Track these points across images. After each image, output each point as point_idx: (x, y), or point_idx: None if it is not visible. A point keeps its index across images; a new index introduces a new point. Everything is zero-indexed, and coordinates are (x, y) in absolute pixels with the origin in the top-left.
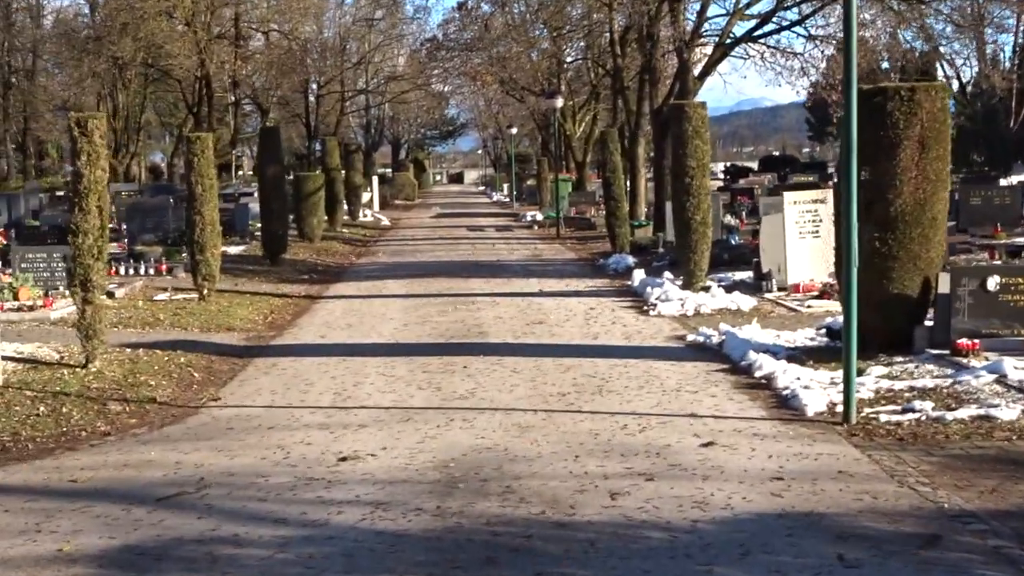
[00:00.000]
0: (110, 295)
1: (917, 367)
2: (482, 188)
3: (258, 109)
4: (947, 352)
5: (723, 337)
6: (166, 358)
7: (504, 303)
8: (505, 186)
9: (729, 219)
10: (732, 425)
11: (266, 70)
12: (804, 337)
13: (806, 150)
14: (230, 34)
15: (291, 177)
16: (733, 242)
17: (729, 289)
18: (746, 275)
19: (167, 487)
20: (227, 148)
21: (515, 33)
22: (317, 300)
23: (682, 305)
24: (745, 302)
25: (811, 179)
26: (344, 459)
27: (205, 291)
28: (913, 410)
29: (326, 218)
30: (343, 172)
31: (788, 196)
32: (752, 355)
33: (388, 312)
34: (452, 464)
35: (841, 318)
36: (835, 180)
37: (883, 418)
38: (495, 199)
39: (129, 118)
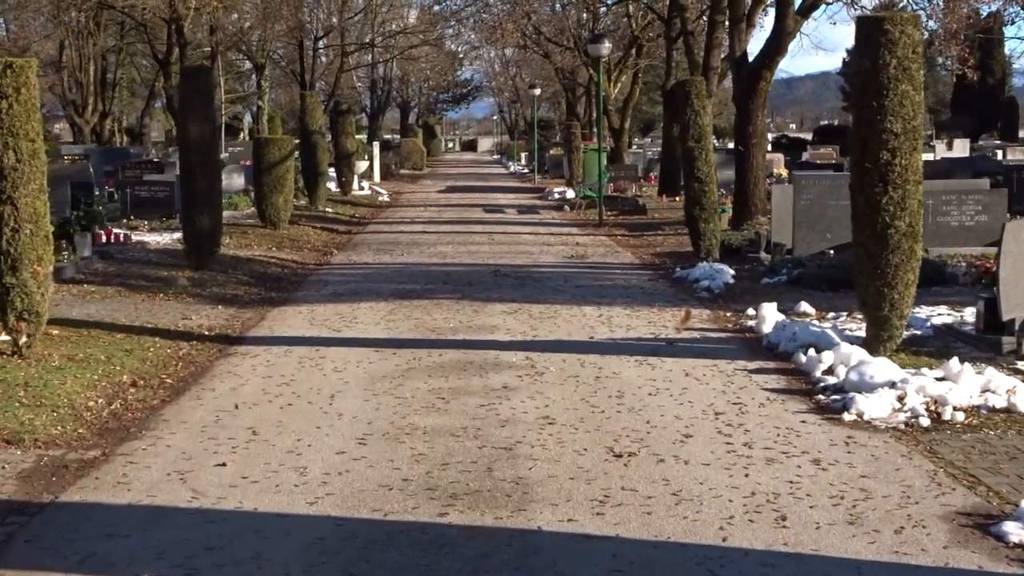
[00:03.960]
0: None
1: None
2: (497, 157)
3: (253, 67)
4: None
5: None
6: None
7: (553, 370)
8: (523, 156)
9: None
10: None
11: (252, 15)
12: None
13: (824, 122)
14: None
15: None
16: None
17: (942, 350)
18: (940, 313)
19: None
20: None
21: None
22: (232, 348)
23: (900, 400)
24: (1015, 391)
25: None
26: None
27: (23, 339)
28: None
29: (305, 194)
30: (330, 137)
31: None
32: None
33: (340, 394)
34: None
35: None
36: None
37: None
38: (512, 170)
39: (98, 71)
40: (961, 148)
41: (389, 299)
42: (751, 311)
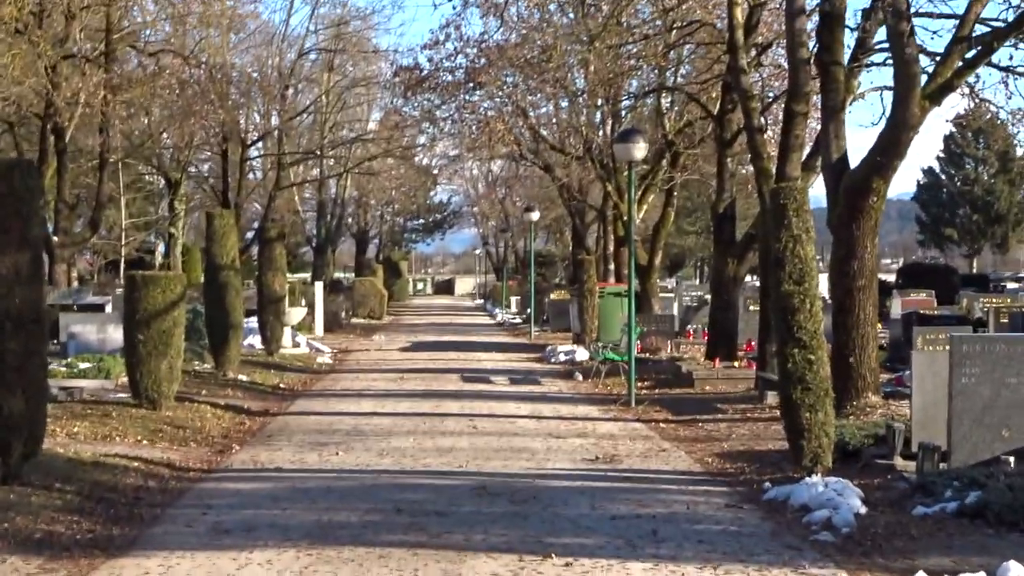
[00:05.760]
0: None
1: None
2: (479, 302)
3: (166, 183)
4: None
5: None
6: None
7: None
8: (514, 301)
9: None
10: None
11: (161, 114)
12: None
13: (889, 260)
14: (92, 51)
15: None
16: None
17: None
18: None
19: None
20: (103, 235)
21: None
22: None
23: None
24: None
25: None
26: None
27: None
28: None
29: (208, 355)
30: (249, 274)
31: None
32: None
33: None
34: None
35: None
36: None
37: None
38: (500, 319)
39: None
40: None
41: (303, 544)
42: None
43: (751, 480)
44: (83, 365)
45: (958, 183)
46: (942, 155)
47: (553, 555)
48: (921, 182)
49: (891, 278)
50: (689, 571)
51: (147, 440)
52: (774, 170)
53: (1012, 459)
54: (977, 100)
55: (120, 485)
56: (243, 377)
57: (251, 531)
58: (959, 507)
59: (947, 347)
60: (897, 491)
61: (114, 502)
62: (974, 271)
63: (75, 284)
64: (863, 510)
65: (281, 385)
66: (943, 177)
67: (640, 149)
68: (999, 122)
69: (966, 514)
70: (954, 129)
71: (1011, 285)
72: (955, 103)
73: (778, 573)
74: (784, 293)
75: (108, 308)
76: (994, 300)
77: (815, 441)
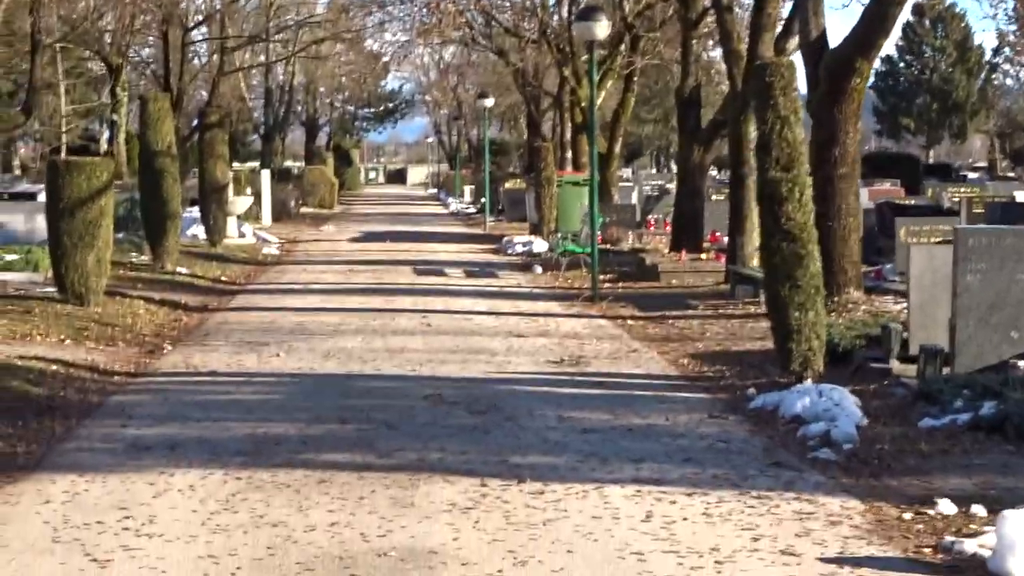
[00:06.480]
0: None
1: None
2: (432, 191)
3: (107, 69)
4: None
5: None
6: None
7: None
8: (468, 190)
9: None
10: None
11: None
12: None
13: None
14: None
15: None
16: None
17: None
18: None
19: None
20: (45, 123)
21: None
22: None
23: None
24: None
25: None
26: None
27: None
28: None
29: (146, 246)
30: (182, 162)
31: None
32: None
33: None
34: None
35: None
36: None
37: None
38: (453, 209)
39: None
40: None
41: (231, 464)
42: (945, 506)
43: (733, 385)
44: (9, 257)
45: (916, 72)
46: (901, 44)
47: (527, 479)
48: (879, 71)
49: None
50: (676, 496)
51: (70, 339)
52: (744, 51)
53: (1022, 363)
54: None
55: (34, 391)
56: (182, 269)
57: (175, 448)
58: (972, 419)
59: (937, 239)
60: (897, 399)
61: (23, 413)
62: (930, 161)
63: (16, 172)
64: (864, 422)
65: (223, 278)
66: (901, 66)
67: (602, 27)
68: (957, 11)
69: (981, 427)
70: (912, 18)
71: (971, 175)
72: None
73: (780, 503)
74: (770, 180)
75: (40, 197)
76: (962, 190)
77: (805, 343)
